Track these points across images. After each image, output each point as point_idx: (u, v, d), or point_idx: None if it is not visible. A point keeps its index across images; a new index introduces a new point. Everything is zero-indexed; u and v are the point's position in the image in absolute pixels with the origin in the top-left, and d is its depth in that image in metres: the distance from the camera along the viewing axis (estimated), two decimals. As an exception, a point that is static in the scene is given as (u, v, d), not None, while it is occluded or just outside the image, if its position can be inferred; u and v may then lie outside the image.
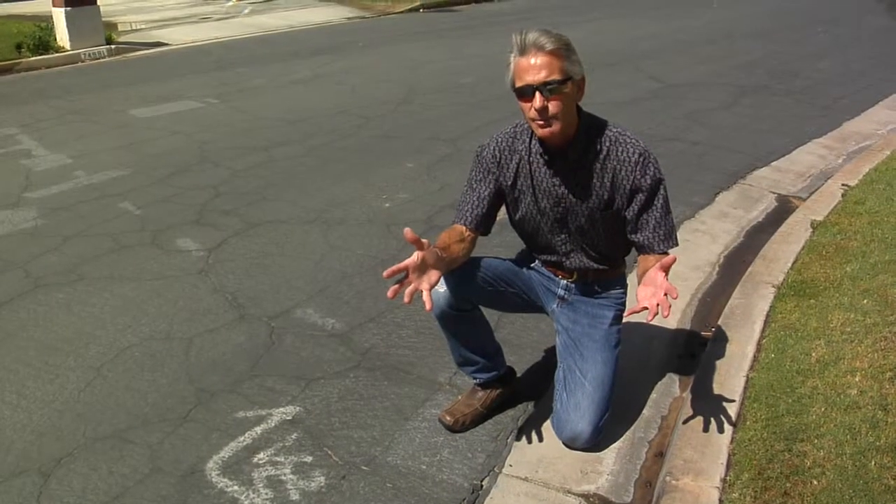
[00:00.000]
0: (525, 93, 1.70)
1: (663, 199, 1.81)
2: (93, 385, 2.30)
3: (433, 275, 1.60)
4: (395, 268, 1.55)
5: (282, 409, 2.17)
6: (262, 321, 2.65)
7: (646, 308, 1.58)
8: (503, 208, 1.97)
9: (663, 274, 1.61)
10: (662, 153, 1.94)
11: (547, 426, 2.05)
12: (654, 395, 2.23)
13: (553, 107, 1.69)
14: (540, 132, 1.75)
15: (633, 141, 1.80)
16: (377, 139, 4.79)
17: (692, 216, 3.61)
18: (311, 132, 4.92)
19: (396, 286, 1.56)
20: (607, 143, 1.79)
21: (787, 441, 1.81)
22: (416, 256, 1.57)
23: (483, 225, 1.91)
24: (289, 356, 2.45)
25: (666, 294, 1.56)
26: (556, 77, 1.67)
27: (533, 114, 1.70)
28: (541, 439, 2.03)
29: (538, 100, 1.68)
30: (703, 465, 1.80)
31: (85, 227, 3.44)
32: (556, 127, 1.72)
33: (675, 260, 1.62)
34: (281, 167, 4.29)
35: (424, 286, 1.58)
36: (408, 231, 1.53)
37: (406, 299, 1.53)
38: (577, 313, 2.02)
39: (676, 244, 1.83)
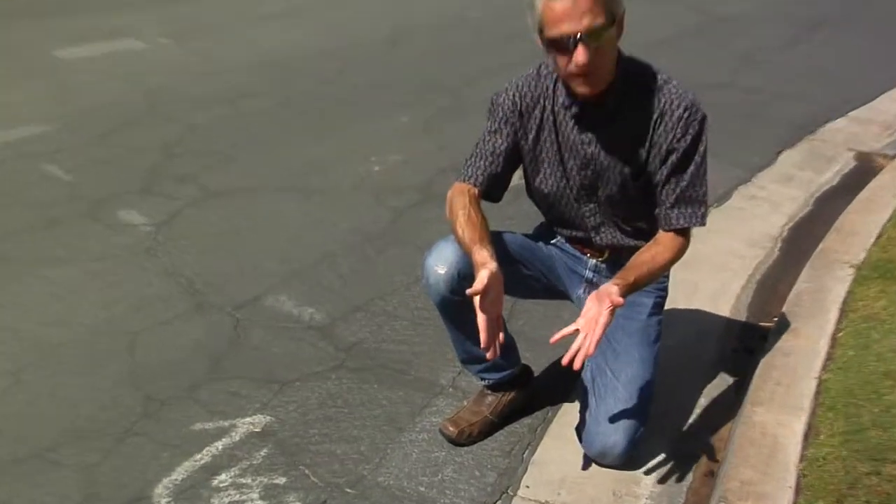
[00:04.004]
0: (562, 45, 1.63)
1: (697, 167, 1.80)
2: (9, 393, 2.26)
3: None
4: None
5: (248, 420, 2.17)
6: (225, 311, 2.65)
7: (577, 331, 1.65)
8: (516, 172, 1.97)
9: (606, 306, 1.66)
10: (711, 103, 1.90)
11: (572, 438, 2.05)
12: (702, 401, 2.23)
13: (599, 59, 1.64)
14: (581, 89, 1.72)
15: (680, 91, 1.77)
16: (364, 88, 4.76)
17: (748, 180, 3.58)
18: (285, 80, 4.87)
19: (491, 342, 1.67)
20: (649, 93, 1.78)
21: (873, 462, 1.78)
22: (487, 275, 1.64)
23: (494, 188, 1.90)
24: (257, 354, 2.46)
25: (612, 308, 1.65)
26: (600, 21, 1.60)
27: (573, 69, 1.65)
28: (564, 454, 2.03)
29: (581, 53, 1.61)
30: (765, 490, 1.77)
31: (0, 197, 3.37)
32: (600, 82, 1.70)
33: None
34: (248, 122, 4.26)
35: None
36: (470, 292, 1.61)
37: (490, 356, 1.68)
38: None
39: (702, 223, 1.83)
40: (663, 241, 1.83)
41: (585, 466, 1.98)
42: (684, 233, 1.84)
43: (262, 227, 3.21)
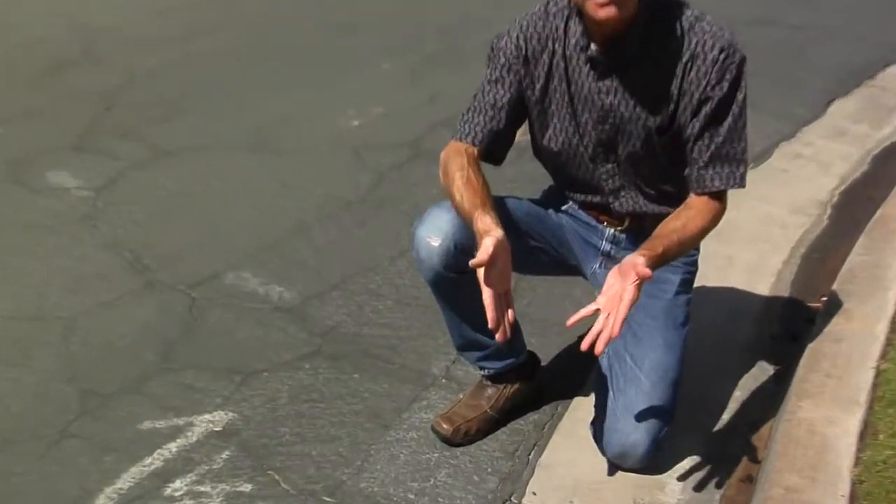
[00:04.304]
0: None
1: (735, 119, 1.80)
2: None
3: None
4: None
5: (207, 417, 2.17)
6: (179, 290, 2.65)
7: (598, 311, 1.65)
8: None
9: (631, 281, 1.65)
10: (750, 44, 1.89)
11: (586, 437, 2.04)
12: (737, 394, 2.22)
13: None
14: (600, 14, 1.69)
15: (714, 30, 1.77)
16: (340, 28, 4.75)
17: (792, 135, 3.58)
18: (246, 16, 4.86)
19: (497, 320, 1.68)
20: (678, 32, 1.77)
21: (943, 466, 1.79)
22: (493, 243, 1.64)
23: (496, 147, 1.92)
24: (217, 340, 2.46)
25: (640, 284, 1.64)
26: None
27: None
28: (576, 456, 2.03)
29: None
30: (813, 498, 1.76)
31: None
32: (620, 8, 1.67)
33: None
34: (202, 68, 4.23)
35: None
36: (474, 263, 1.62)
37: (499, 338, 1.69)
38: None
39: (740, 184, 1.83)
40: (695, 207, 1.83)
41: (602, 470, 1.98)
42: (720, 196, 1.83)
43: (220, 192, 3.22)
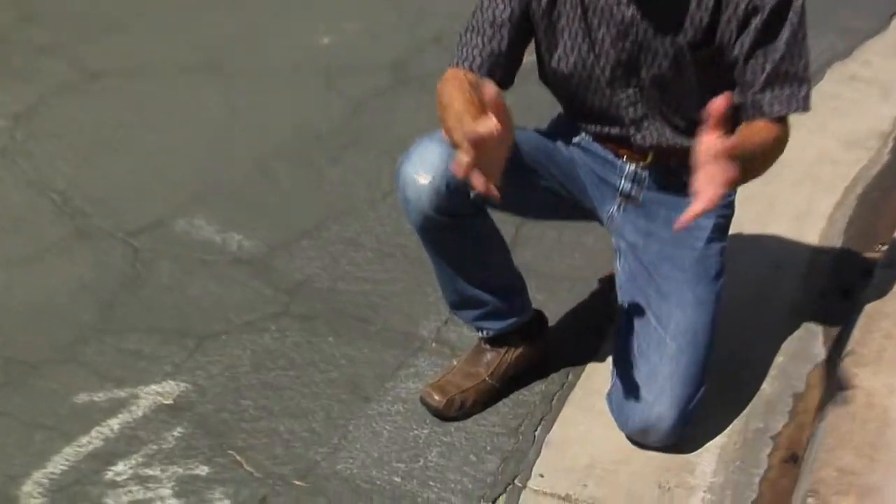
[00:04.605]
0: None
1: (794, 31, 1.79)
2: None
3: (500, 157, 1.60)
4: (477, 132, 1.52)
5: (155, 388, 2.17)
6: (118, 239, 2.64)
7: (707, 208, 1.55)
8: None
9: (715, 135, 1.55)
10: None
11: (602, 410, 2.06)
12: (779, 360, 2.23)
13: None
14: None
15: None
16: None
17: (848, 53, 3.58)
18: None
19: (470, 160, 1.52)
20: None
21: None
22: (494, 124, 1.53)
23: (499, 70, 1.91)
24: (166, 298, 2.46)
25: (729, 157, 1.53)
26: None
27: None
28: (591, 432, 2.03)
29: None
30: (873, 481, 1.74)
31: None
32: None
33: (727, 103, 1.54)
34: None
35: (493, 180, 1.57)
36: (489, 89, 1.50)
37: (480, 186, 1.53)
38: (654, 221, 2.04)
39: (805, 106, 1.83)
40: (754, 130, 1.82)
41: (620, 448, 1.98)
42: (782, 122, 1.82)
43: (166, 122, 3.21)
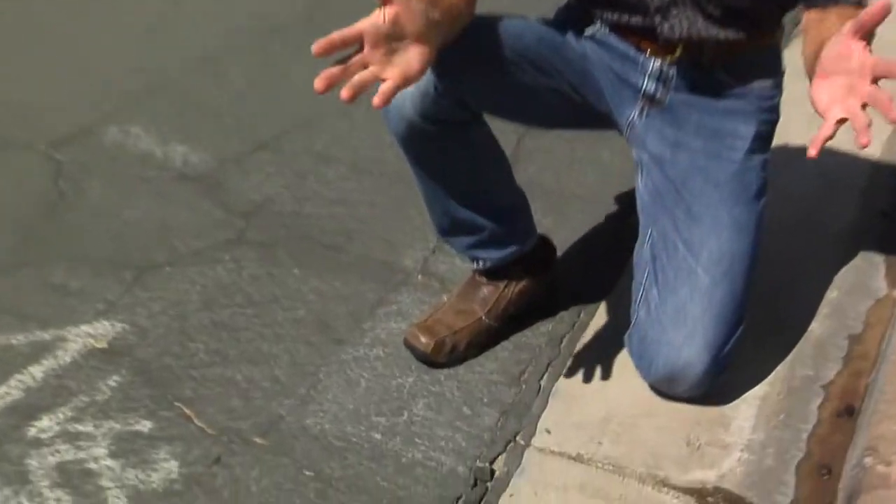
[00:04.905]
0: None
1: None
2: None
3: (415, 57, 1.64)
4: (336, 36, 1.57)
5: (87, 329, 2.18)
6: (38, 152, 2.66)
7: (840, 124, 1.63)
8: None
9: (862, 43, 1.62)
10: None
11: (620, 355, 2.06)
12: (832, 295, 2.22)
13: None
14: None
15: None
16: None
17: None
18: None
19: (333, 70, 1.57)
20: None
21: None
22: (379, 15, 1.59)
23: None
24: (97, 223, 2.47)
25: (875, 80, 1.60)
26: None
27: None
28: (606, 381, 2.04)
29: None
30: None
31: None
32: None
33: (884, 12, 1.60)
34: None
35: (392, 76, 1.61)
36: None
37: (346, 94, 1.56)
38: (682, 129, 2.02)
39: None
40: (832, 21, 1.78)
41: (641, 399, 1.99)
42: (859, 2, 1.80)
43: (93, 7, 3.21)
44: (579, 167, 2.55)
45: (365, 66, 1.60)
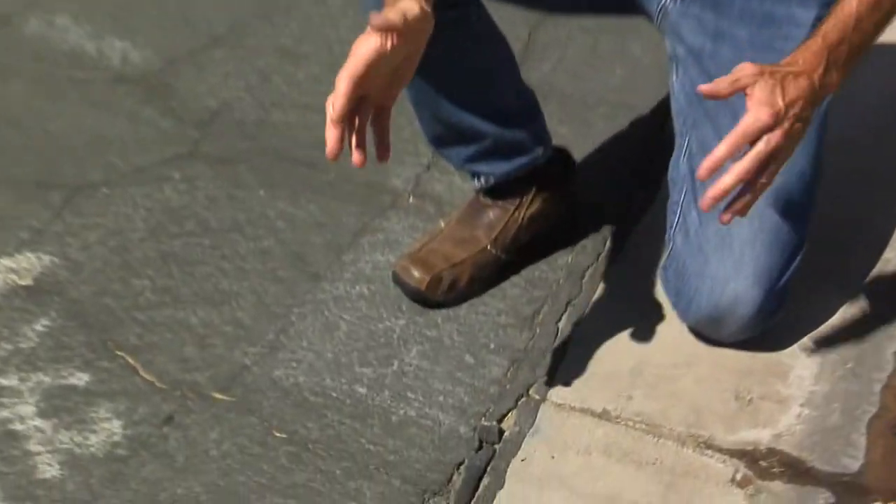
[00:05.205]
0: None
1: None
2: None
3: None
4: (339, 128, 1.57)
5: (7, 263, 2.21)
6: None
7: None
8: None
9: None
10: None
11: (653, 292, 2.10)
12: None
13: None
14: None
15: None
16: None
17: None
18: None
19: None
20: None
21: None
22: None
23: None
24: (16, 133, 2.52)
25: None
26: None
27: None
28: (637, 323, 2.05)
29: None
30: None
31: None
32: None
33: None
34: None
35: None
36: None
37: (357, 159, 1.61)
38: (725, 15, 2.01)
39: None
40: None
41: (680, 344, 2.01)
42: None
43: None
44: (602, 64, 2.57)
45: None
